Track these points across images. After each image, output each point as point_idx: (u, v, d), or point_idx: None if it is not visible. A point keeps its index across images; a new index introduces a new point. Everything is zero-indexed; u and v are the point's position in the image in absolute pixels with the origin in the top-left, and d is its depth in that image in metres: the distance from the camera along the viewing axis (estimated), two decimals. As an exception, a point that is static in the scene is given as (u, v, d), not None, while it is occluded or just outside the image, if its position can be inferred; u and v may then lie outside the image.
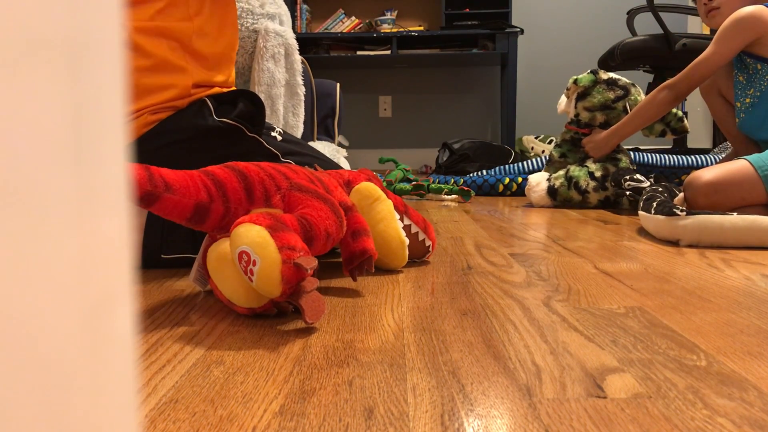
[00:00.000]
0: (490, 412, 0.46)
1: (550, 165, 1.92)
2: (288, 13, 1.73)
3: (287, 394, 0.49)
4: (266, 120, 1.10)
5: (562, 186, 1.80)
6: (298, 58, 1.68)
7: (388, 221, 0.90)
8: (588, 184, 1.77)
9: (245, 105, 1.03)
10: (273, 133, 1.09)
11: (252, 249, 0.63)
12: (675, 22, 3.88)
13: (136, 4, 0.94)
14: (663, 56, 2.69)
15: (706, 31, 3.60)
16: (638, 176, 1.65)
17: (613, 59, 2.78)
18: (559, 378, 0.51)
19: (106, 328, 0.16)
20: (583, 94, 1.86)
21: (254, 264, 0.63)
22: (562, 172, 1.82)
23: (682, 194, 1.37)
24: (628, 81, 1.87)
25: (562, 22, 4.08)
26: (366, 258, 0.80)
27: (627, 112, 1.81)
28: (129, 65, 0.96)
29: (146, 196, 0.67)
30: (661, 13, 2.67)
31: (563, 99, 1.94)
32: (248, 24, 1.58)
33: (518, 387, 0.50)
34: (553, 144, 3.25)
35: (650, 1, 2.62)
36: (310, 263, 0.64)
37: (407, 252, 0.92)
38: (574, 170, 1.81)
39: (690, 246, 1.14)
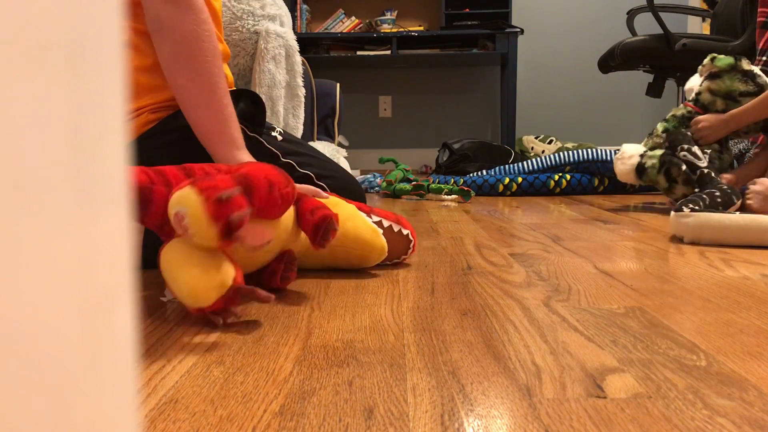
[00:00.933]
0: (490, 412, 0.46)
1: (649, 137, 1.79)
2: (288, 15, 1.73)
3: (287, 394, 0.49)
4: (267, 120, 1.10)
5: (653, 168, 1.64)
6: (298, 59, 1.68)
7: (354, 218, 0.90)
8: (680, 175, 1.59)
9: (246, 105, 1.03)
10: (273, 133, 1.09)
11: (180, 205, 0.64)
12: (675, 22, 3.88)
13: (136, 7, 0.94)
14: (663, 56, 2.70)
15: (706, 31, 3.60)
16: (697, 150, 1.54)
17: (613, 59, 2.78)
18: (559, 378, 0.51)
19: (106, 328, 0.16)
20: (714, 75, 1.74)
21: (184, 217, 0.63)
22: (658, 152, 1.66)
23: (739, 202, 1.32)
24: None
25: (562, 22, 4.08)
26: (328, 221, 0.79)
27: None
28: (128, 64, 0.96)
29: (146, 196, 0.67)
30: (661, 13, 2.67)
31: (695, 77, 1.82)
32: (249, 26, 1.58)
33: (518, 387, 0.50)
34: (553, 143, 3.25)
35: (650, 1, 2.62)
36: (229, 191, 0.63)
37: (383, 240, 0.91)
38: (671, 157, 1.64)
39: (692, 243, 1.15)
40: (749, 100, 1.70)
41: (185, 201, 0.64)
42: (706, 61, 1.78)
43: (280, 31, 1.61)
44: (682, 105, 1.80)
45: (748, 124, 1.65)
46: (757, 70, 1.74)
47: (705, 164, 1.52)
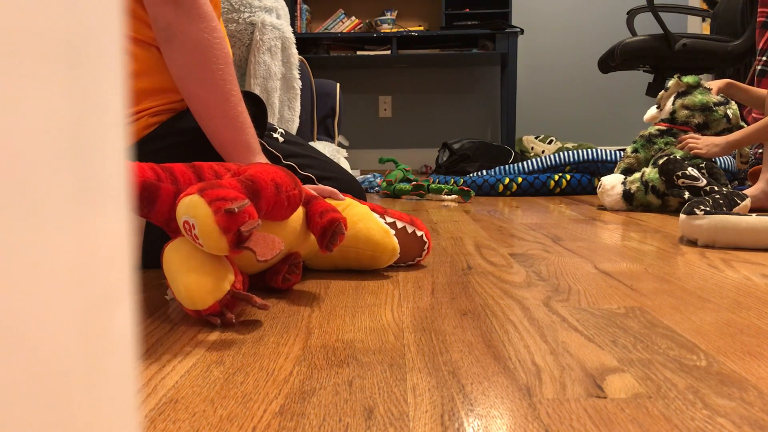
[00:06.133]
0: (490, 412, 0.46)
1: (621, 160, 1.86)
2: (285, 8, 1.73)
3: (287, 394, 0.49)
4: (270, 122, 1.10)
5: (639, 191, 1.67)
6: (294, 52, 1.68)
7: (366, 219, 0.90)
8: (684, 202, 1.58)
9: (248, 106, 1.03)
10: (275, 135, 1.09)
11: (188, 215, 0.64)
12: (675, 22, 3.88)
13: (128, 15, 0.94)
14: (663, 56, 2.70)
15: (706, 31, 3.60)
16: (692, 171, 1.53)
17: (613, 59, 2.78)
18: (559, 378, 0.51)
19: (106, 328, 0.16)
20: (683, 93, 1.79)
21: (194, 227, 0.64)
22: (637, 175, 1.70)
23: (747, 201, 1.30)
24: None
25: (562, 22, 4.08)
26: (336, 225, 0.79)
27: (728, 118, 1.73)
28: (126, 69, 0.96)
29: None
30: (661, 13, 2.67)
31: (652, 109, 1.88)
32: (245, 17, 1.59)
33: (518, 387, 0.50)
34: (553, 143, 3.25)
35: (650, 1, 2.62)
36: (239, 202, 0.64)
37: (395, 241, 0.90)
38: (650, 173, 1.67)
39: (706, 246, 1.12)
40: (724, 109, 1.73)
41: (194, 211, 0.64)
42: (672, 81, 1.82)
43: (277, 23, 1.61)
44: (651, 125, 1.84)
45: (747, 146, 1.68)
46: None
47: (705, 182, 1.53)
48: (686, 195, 1.54)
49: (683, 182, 1.54)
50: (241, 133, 0.91)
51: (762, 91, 1.78)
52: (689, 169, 1.56)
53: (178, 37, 0.88)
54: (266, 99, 1.59)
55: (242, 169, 0.76)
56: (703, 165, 1.65)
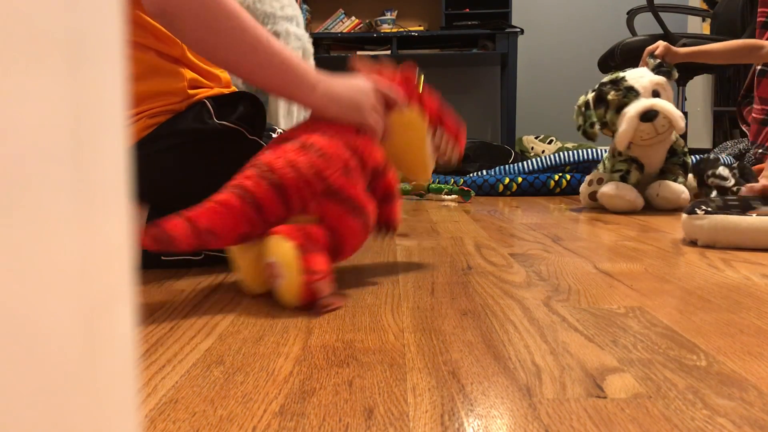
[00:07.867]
0: (490, 412, 0.46)
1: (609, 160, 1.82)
2: (301, 16, 1.74)
3: (287, 394, 0.49)
4: (268, 122, 1.10)
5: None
6: (312, 62, 1.70)
7: (416, 150, 0.99)
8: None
9: (245, 107, 1.03)
10: (274, 135, 1.09)
11: (279, 265, 0.71)
12: (675, 22, 3.88)
13: (131, 22, 0.94)
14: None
15: (706, 31, 3.60)
16: (722, 171, 1.52)
17: (613, 59, 2.78)
18: (559, 378, 0.51)
19: (106, 328, 0.16)
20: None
21: (278, 278, 0.72)
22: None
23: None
24: None
25: (562, 22, 4.08)
26: (390, 229, 0.93)
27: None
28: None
29: (195, 248, 0.71)
30: (661, 13, 2.67)
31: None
32: (268, 27, 1.60)
33: (518, 387, 0.50)
34: (553, 143, 3.25)
35: (650, 1, 2.62)
36: (327, 290, 0.72)
37: (430, 171, 1.03)
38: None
39: (707, 246, 1.11)
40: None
41: (286, 270, 0.71)
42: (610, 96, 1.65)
43: (299, 33, 1.63)
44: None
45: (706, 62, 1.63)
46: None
47: (732, 182, 1.51)
48: (714, 194, 1.53)
49: (712, 182, 1.53)
50: (287, 73, 0.84)
51: (720, 44, 1.71)
52: (720, 168, 1.54)
53: (176, 15, 0.82)
54: (287, 108, 1.59)
55: (328, 208, 0.77)
56: (735, 166, 1.62)
